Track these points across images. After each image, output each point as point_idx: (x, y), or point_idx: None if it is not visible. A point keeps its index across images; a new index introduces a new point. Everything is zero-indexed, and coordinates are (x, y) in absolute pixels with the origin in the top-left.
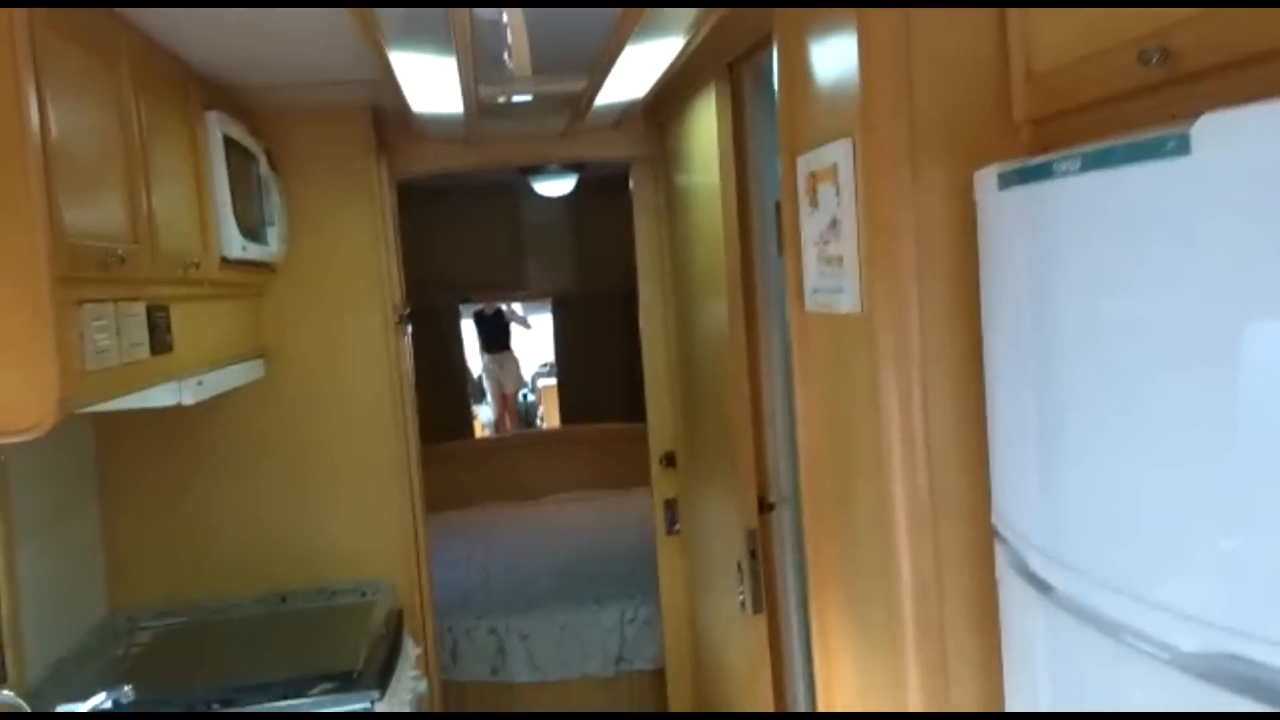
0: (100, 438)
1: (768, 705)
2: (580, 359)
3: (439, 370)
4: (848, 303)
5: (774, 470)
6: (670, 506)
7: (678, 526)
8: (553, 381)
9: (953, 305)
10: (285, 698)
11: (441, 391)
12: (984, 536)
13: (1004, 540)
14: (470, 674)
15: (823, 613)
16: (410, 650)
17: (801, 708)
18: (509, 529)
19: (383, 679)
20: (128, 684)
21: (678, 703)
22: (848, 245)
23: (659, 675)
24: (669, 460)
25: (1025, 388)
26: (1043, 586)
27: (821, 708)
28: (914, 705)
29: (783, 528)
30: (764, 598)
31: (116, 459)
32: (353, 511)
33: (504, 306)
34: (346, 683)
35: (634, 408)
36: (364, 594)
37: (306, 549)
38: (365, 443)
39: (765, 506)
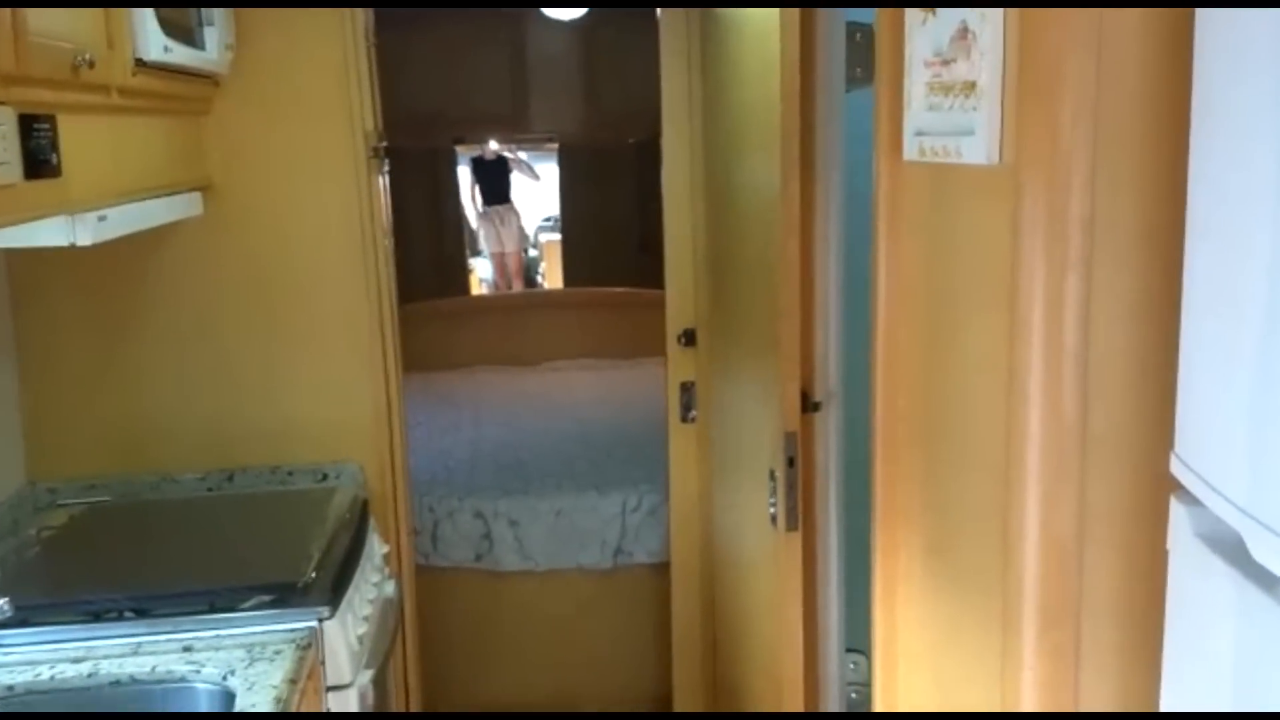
0: (15, 285)
1: (795, 640)
2: (587, 216)
3: (431, 219)
4: (978, 150)
5: (822, 361)
6: (687, 390)
7: (694, 414)
8: (556, 237)
9: (1142, 158)
10: (214, 610)
11: (434, 243)
12: (1155, 492)
13: (1192, 499)
14: (452, 559)
15: (889, 553)
16: (377, 548)
17: (835, 646)
18: (503, 398)
19: (335, 590)
20: (16, 588)
21: (682, 602)
22: (987, 65)
23: (661, 570)
24: (688, 338)
25: (1253, 283)
26: (1254, 570)
27: (879, 676)
28: (1028, 700)
29: (828, 431)
30: (800, 513)
31: (35, 309)
32: (315, 380)
33: (507, 154)
34: (289, 595)
35: (643, 273)
36: (325, 477)
37: (259, 422)
38: (331, 300)
39: (809, 405)
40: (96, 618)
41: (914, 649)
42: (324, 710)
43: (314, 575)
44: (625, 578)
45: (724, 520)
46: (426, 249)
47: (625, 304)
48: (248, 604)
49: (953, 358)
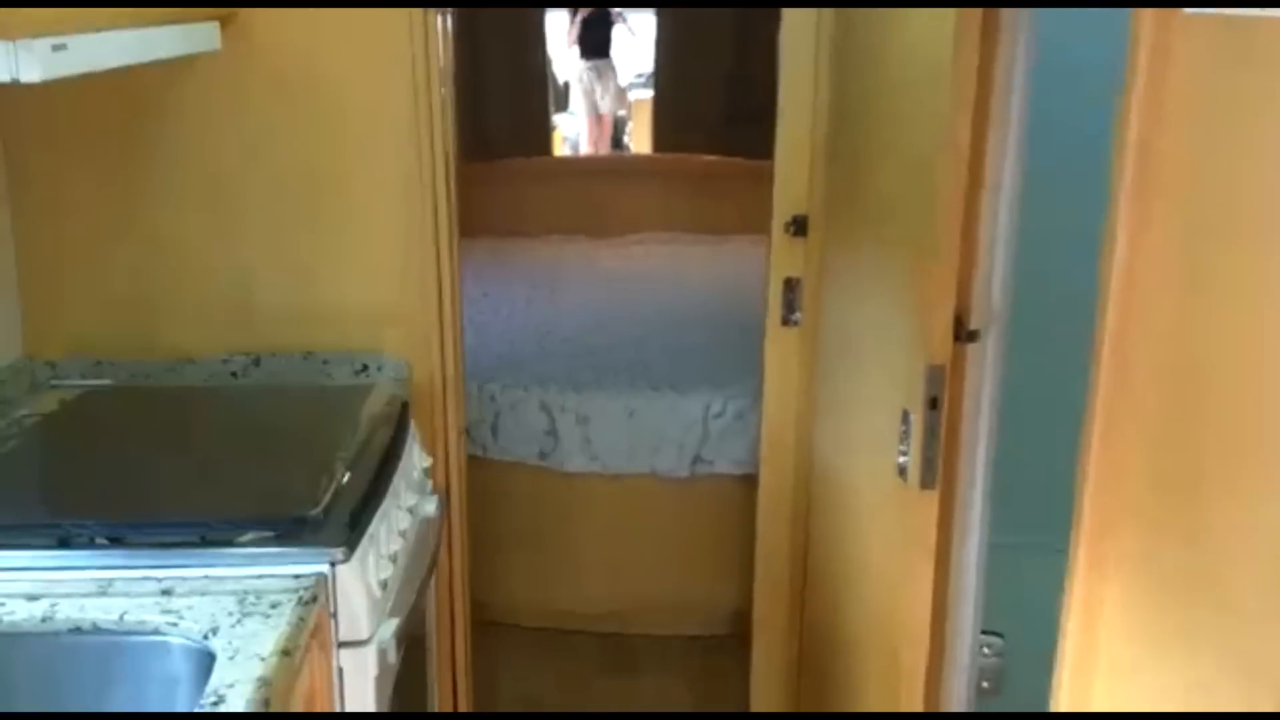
0: (8, 133)
1: (921, 619)
2: (683, 77)
3: (515, 71)
4: None
5: (985, 279)
6: (791, 288)
7: (797, 316)
8: (647, 95)
9: None
10: (204, 544)
11: (516, 97)
12: None
13: None
14: (513, 454)
15: (1096, 542)
16: (417, 461)
17: (968, 627)
18: (579, 273)
19: (354, 526)
20: None
21: (770, 523)
22: None
23: (746, 483)
24: (798, 227)
25: None
26: None
27: (1065, 691)
28: None
29: (984, 367)
30: (940, 468)
31: (32, 156)
32: (355, 254)
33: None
34: (297, 530)
35: (740, 140)
36: (364, 369)
37: (290, 300)
38: (375, 158)
39: (962, 333)
40: (62, 543)
41: (1128, 665)
42: (335, 667)
43: (330, 503)
44: (703, 488)
45: (829, 447)
46: (508, 103)
47: (718, 175)
48: (245, 539)
49: (1242, 318)
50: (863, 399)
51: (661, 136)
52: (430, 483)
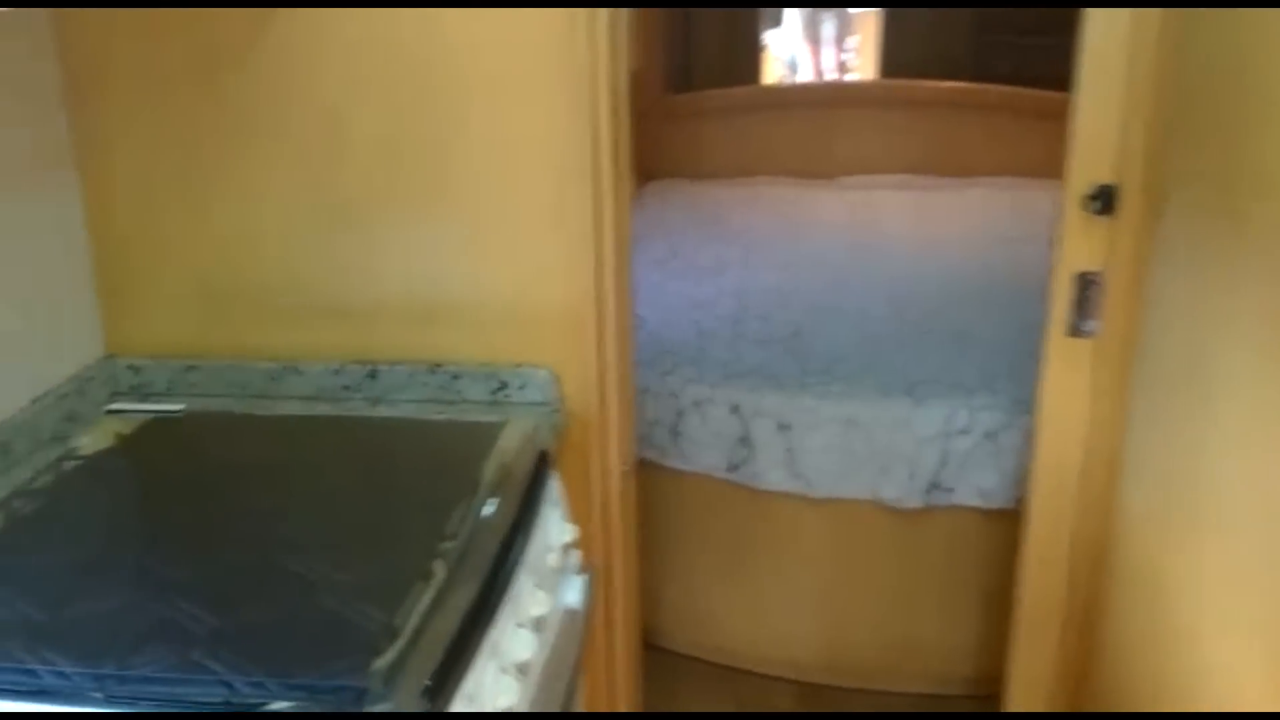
0: (83, 108)
1: None
2: None
3: None
4: None
5: None
6: (1087, 286)
7: (1093, 325)
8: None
9: None
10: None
11: (722, 17)
12: None
13: None
14: (696, 463)
15: None
16: (554, 534)
17: None
18: (786, 228)
19: (436, 694)
20: None
21: (1039, 571)
22: None
23: (994, 520)
24: (1103, 202)
25: None
26: None
27: None
28: None
29: None
30: None
31: (108, 133)
32: (492, 241)
33: None
34: (351, 699)
35: (991, 61)
36: (501, 386)
37: (413, 297)
38: (519, 113)
39: None
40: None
41: None
42: None
43: (406, 650)
44: (938, 522)
45: (1159, 510)
46: (715, 24)
47: (962, 104)
48: (274, 710)
49: None
50: (1237, 468)
51: (891, 58)
52: (574, 554)
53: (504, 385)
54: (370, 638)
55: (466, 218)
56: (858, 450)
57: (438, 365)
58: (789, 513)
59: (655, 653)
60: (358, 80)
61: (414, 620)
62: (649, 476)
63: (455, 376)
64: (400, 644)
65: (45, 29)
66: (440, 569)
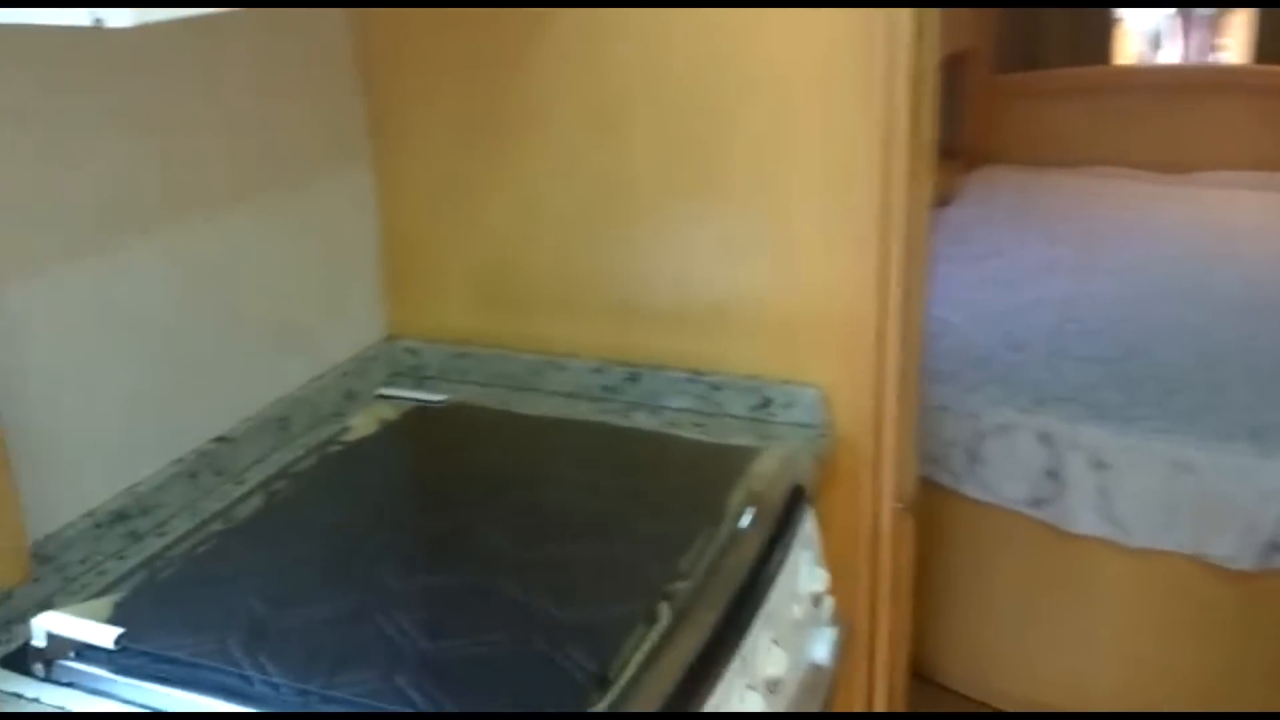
0: (378, 87)
1: None
2: None
3: None
4: None
5: None
6: None
7: None
8: None
9: None
10: None
11: None
12: None
13: None
14: (995, 494)
15: None
16: (802, 580)
17: None
18: (1129, 226)
19: None
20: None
21: None
22: None
23: None
24: None
25: None
26: None
27: None
28: None
29: None
30: None
31: (397, 113)
32: (771, 239)
33: None
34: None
35: None
36: (766, 403)
37: (682, 298)
38: (802, 111)
39: None
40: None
41: None
42: None
43: (615, 703)
44: (1276, 588)
45: None
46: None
47: None
48: None
49: None
50: None
51: (1271, 39)
52: (828, 607)
53: (767, 402)
54: (578, 689)
55: (741, 219)
56: (1185, 499)
57: (699, 374)
58: (1095, 559)
59: (918, 681)
60: (635, 76)
61: (629, 672)
62: (936, 501)
63: (716, 387)
64: (610, 698)
65: (343, 18)
66: (666, 613)
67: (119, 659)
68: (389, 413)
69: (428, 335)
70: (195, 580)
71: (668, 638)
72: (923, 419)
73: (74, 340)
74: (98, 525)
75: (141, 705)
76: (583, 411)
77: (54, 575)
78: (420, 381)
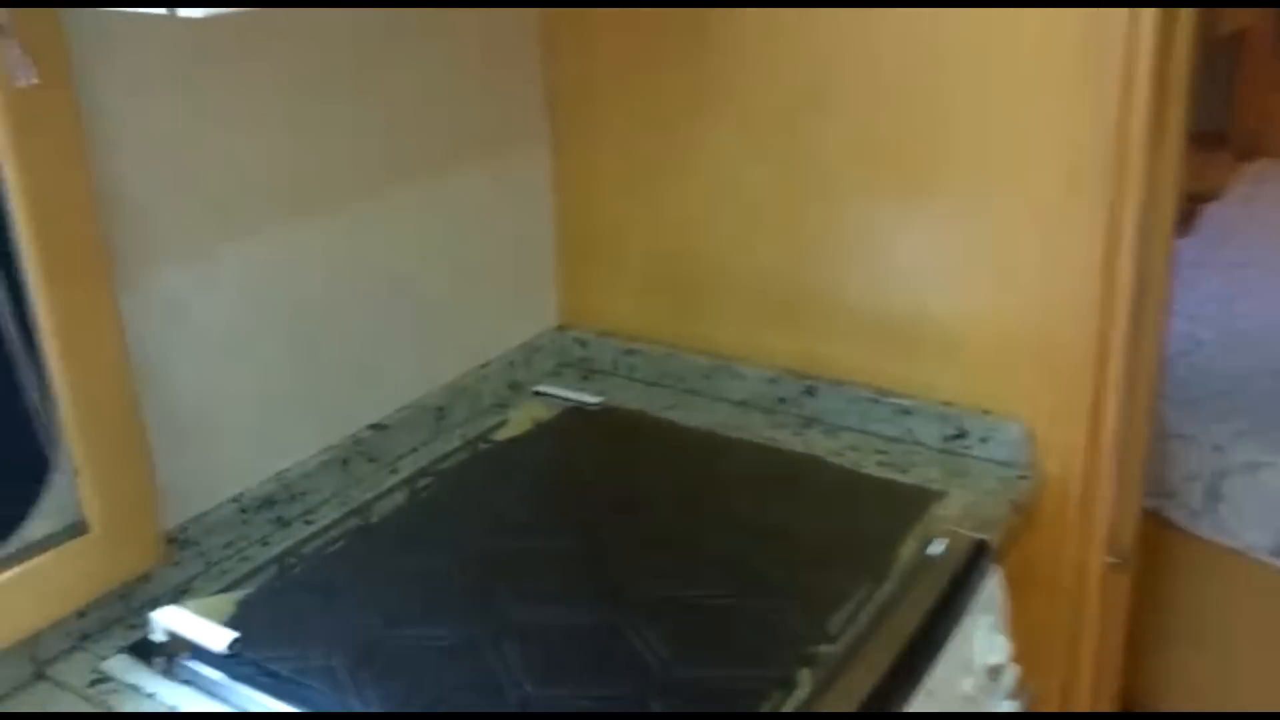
0: (556, 60)
1: None
2: None
3: None
4: None
5: None
6: None
7: None
8: None
9: None
10: None
11: None
12: None
13: None
14: (1235, 537)
15: None
16: (977, 655)
17: None
18: None
19: None
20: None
21: None
22: None
23: None
24: None
25: None
26: None
27: None
28: None
29: None
30: None
31: (576, 88)
32: (974, 257)
33: None
34: None
35: None
36: (959, 435)
37: (870, 307)
38: (1022, 109)
39: None
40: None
41: None
42: None
43: None
44: None
45: None
46: None
47: None
48: None
49: None
50: None
51: None
52: (1010, 678)
53: (962, 433)
54: None
55: (948, 225)
56: None
57: (885, 394)
58: None
59: None
60: (835, 62)
61: None
62: (1163, 540)
63: (905, 411)
64: None
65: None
66: (806, 681)
67: (231, 664)
68: (544, 412)
69: (599, 327)
70: (318, 584)
71: (804, 708)
72: (1156, 447)
73: (229, 321)
74: (243, 510)
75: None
76: (753, 423)
77: (196, 560)
78: (586, 375)
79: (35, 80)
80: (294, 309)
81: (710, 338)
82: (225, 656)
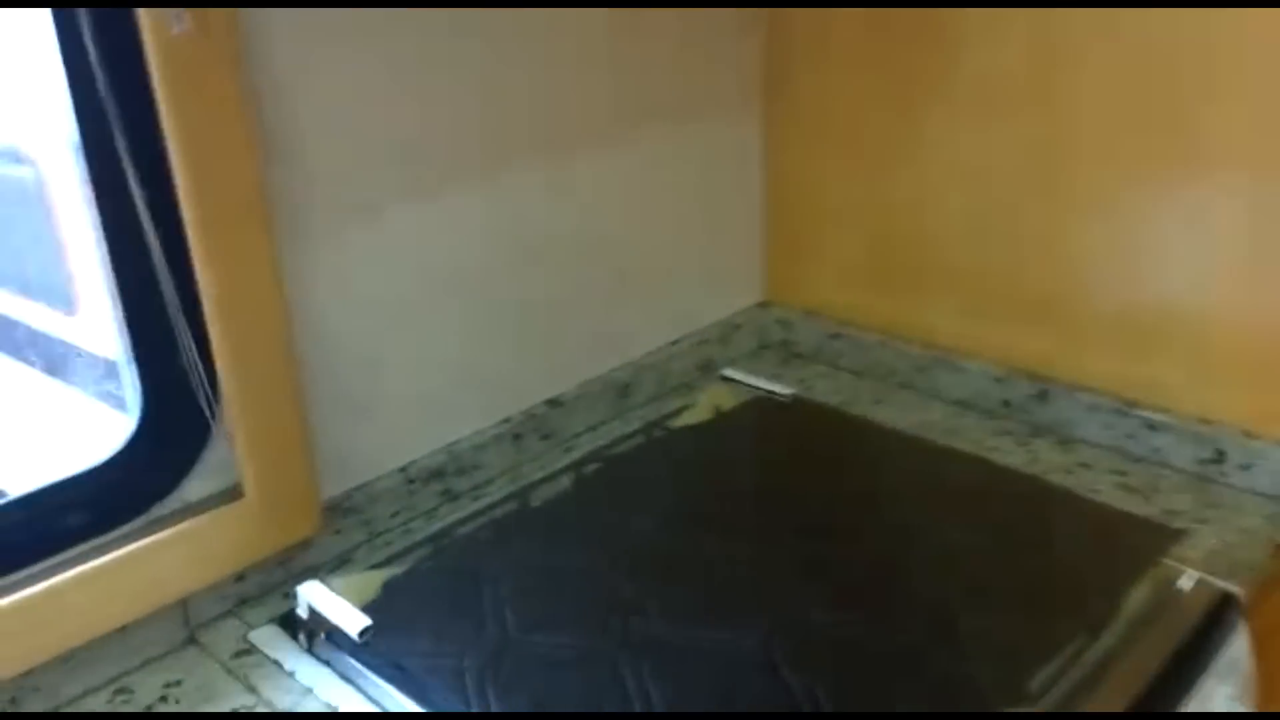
0: (774, 25)
1: None
2: None
3: None
4: None
5: None
6: None
7: None
8: None
9: None
10: None
11: None
12: None
13: None
14: None
15: None
16: None
17: None
18: None
19: None
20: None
21: None
22: None
23: None
24: None
25: None
26: None
27: None
28: None
29: None
30: None
31: (795, 57)
32: (1247, 252)
33: None
34: None
35: None
36: (1218, 458)
37: (1127, 307)
38: None
39: None
40: None
41: None
42: None
43: None
44: None
45: None
46: None
47: None
48: None
49: None
50: None
51: None
52: None
53: (1220, 456)
54: None
55: (1209, 214)
56: None
57: (1131, 406)
58: None
59: None
60: (1084, 29)
61: None
62: None
63: (1152, 427)
64: None
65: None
66: None
67: (363, 652)
68: (728, 399)
69: (804, 306)
70: (465, 572)
71: None
72: None
73: (403, 284)
74: (411, 481)
75: (378, 705)
76: (970, 428)
77: (359, 528)
78: (787, 360)
79: (188, 27)
80: (470, 274)
81: (929, 327)
82: (357, 644)
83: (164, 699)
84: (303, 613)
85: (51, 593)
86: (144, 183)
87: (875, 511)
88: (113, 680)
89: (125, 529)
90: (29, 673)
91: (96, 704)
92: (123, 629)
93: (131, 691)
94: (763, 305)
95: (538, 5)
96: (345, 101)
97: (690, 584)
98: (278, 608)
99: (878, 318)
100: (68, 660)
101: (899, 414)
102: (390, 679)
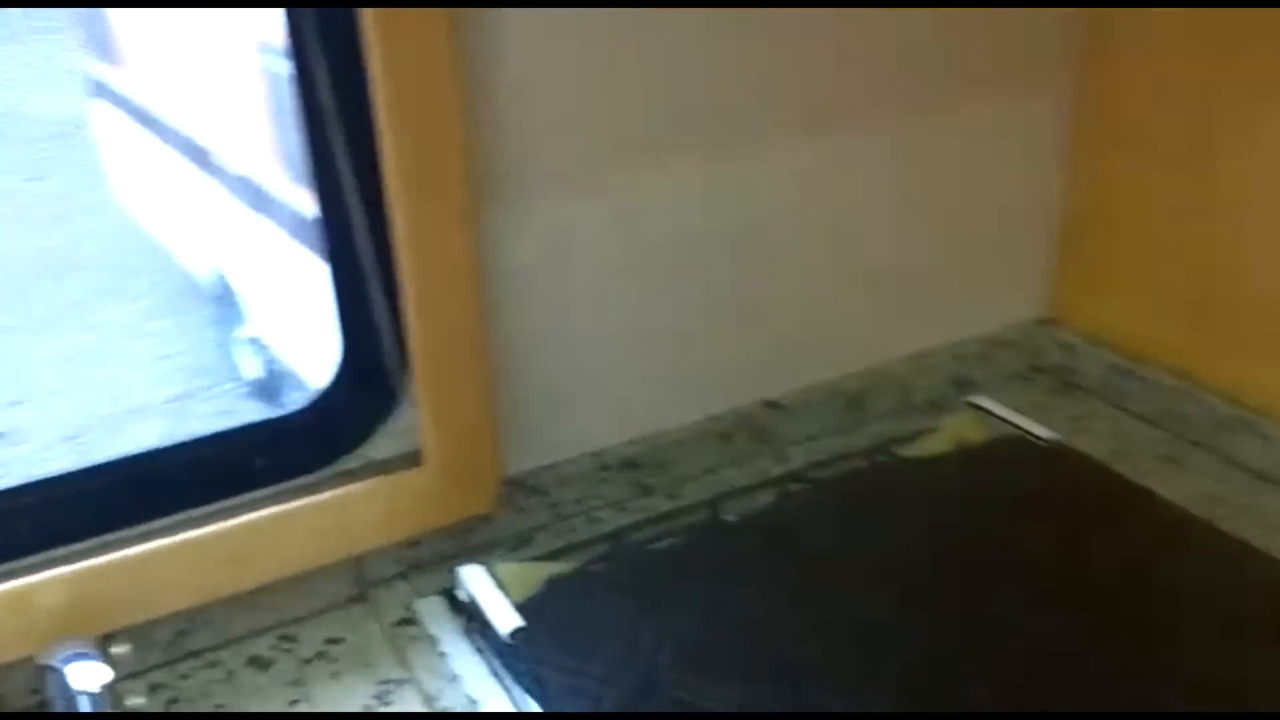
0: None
1: None
2: None
3: None
4: None
5: None
6: None
7: None
8: None
9: None
10: None
11: None
12: None
13: None
14: None
15: None
16: None
17: None
18: None
19: None
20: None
21: None
22: None
23: None
24: None
25: None
26: None
27: None
28: None
29: None
30: None
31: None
32: None
33: None
34: None
35: None
36: None
37: None
38: None
39: None
40: None
41: None
42: None
43: None
44: None
45: None
46: None
47: None
48: None
49: None
50: None
51: None
52: None
53: None
54: None
55: None
56: None
57: None
58: None
59: None
60: None
61: None
62: None
63: None
64: None
65: None
66: None
67: (509, 653)
68: (974, 432)
69: (1092, 331)
70: (634, 586)
71: None
72: None
73: (616, 261)
74: (603, 468)
75: (522, 709)
76: (1267, 507)
77: (544, 509)
78: (1061, 389)
79: None
80: (690, 255)
81: (1238, 379)
82: (506, 644)
83: (322, 655)
84: (462, 596)
85: (233, 532)
86: (349, 138)
87: (1116, 609)
88: (280, 625)
89: (311, 478)
90: (203, 607)
91: (260, 647)
92: (296, 577)
93: (295, 640)
94: (1042, 323)
95: None
96: (567, 69)
97: (880, 656)
98: (449, 580)
99: (1180, 359)
100: (240, 600)
101: (1187, 478)
102: (529, 689)
